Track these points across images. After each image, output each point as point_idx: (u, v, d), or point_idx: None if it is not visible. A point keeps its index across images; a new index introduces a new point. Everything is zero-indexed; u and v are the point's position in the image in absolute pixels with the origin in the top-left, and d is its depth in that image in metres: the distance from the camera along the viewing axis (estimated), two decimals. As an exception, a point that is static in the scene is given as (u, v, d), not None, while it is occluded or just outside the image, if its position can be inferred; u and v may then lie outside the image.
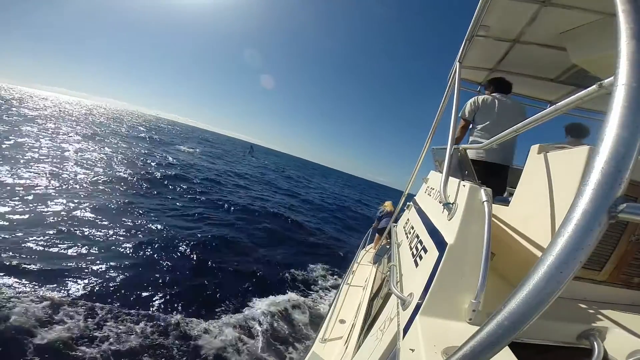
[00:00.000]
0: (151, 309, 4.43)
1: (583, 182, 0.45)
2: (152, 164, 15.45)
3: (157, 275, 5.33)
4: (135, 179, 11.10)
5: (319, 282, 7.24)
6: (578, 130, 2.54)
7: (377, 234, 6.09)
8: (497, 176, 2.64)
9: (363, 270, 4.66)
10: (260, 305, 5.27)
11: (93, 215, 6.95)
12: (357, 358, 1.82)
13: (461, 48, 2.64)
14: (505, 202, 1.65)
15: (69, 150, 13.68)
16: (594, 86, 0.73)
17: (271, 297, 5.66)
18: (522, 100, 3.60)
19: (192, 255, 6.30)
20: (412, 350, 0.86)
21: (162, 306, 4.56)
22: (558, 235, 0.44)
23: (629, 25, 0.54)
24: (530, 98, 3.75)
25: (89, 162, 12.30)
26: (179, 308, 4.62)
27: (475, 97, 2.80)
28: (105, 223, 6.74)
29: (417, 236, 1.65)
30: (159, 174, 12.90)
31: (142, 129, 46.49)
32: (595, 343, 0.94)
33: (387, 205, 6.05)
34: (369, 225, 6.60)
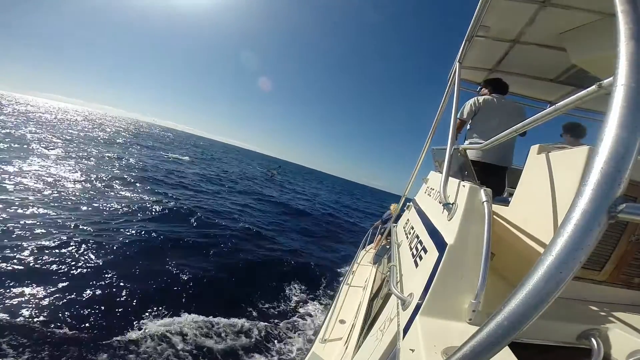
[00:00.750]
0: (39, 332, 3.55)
1: (583, 182, 0.45)
2: (119, 169, 13.69)
3: (56, 291, 4.33)
4: (83, 185, 9.65)
5: (291, 310, 5.75)
6: (577, 130, 2.54)
7: (378, 234, 6.09)
8: (496, 176, 2.64)
9: (363, 270, 4.66)
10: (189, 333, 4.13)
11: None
12: (357, 358, 1.81)
13: (461, 48, 2.65)
14: (505, 202, 1.65)
15: (22, 153, 12.24)
16: (593, 86, 0.74)
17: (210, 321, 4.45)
18: (521, 101, 3.60)
19: (106, 276, 4.98)
20: (412, 350, 0.86)
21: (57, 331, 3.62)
22: (558, 235, 0.44)
23: (628, 25, 0.55)
24: (530, 98, 3.75)
25: (37, 165, 10.82)
26: (80, 328, 3.79)
27: (476, 98, 2.78)
28: (13, 229, 5.66)
29: (417, 236, 1.65)
30: (118, 180, 11.36)
31: (126, 134, 43.89)
32: (595, 343, 0.94)
33: (393, 209, 6.05)
34: (360, 239, 6.02)
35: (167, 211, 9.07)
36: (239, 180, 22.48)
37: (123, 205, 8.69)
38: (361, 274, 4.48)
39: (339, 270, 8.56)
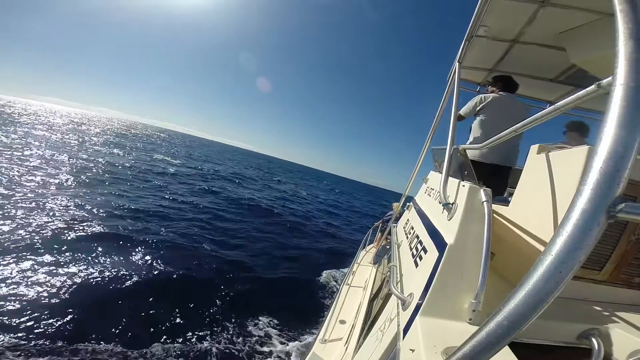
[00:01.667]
0: None
1: (582, 182, 0.45)
2: (73, 173, 11.86)
3: None
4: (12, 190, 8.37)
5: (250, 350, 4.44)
6: (582, 128, 2.52)
7: (379, 234, 6.09)
8: (498, 176, 2.61)
9: (363, 270, 4.66)
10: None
11: None
12: (357, 359, 1.81)
13: (461, 48, 2.65)
14: (505, 202, 1.65)
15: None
16: (592, 86, 0.74)
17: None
18: (521, 100, 3.59)
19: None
20: (412, 350, 0.86)
21: None
22: (557, 235, 0.44)
23: (627, 25, 0.55)
24: (530, 98, 3.75)
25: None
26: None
27: (483, 96, 2.69)
28: None
29: (417, 236, 1.65)
30: (65, 184, 10.06)
31: (110, 136, 40.33)
32: (595, 343, 0.94)
33: (396, 207, 6.05)
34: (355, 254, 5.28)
35: (99, 222, 7.34)
36: (219, 181, 19.86)
37: (45, 212, 7.28)
38: (361, 274, 4.48)
39: (320, 295, 6.94)
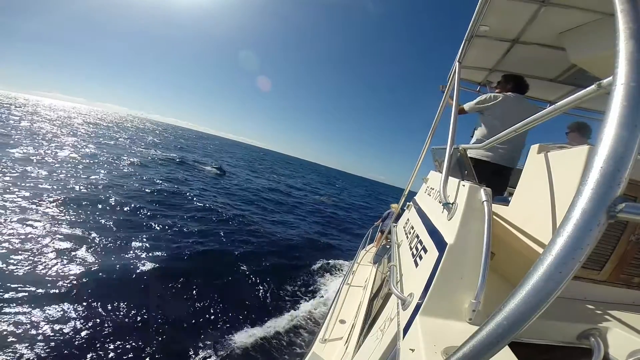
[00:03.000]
0: None
1: (582, 182, 0.45)
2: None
3: None
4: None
5: None
6: (583, 129, 2.50)
7: (379, 233, 6.09)
8: (500, 176, 2.57)
9: (363, 270, 4.66)
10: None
11: None
12: (357, 358, 1.82)
13: (461, 48, 2.64)
14: (505, 202, 1.65)
15: None
16: (592, 86, 0.73)
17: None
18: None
19: None
20: (412, 350, 0.86)
21: None
22: (557, 235, 0.44)
23: (628, 25, 0.54)
24: (530, 98, 3.74)
25: None
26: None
27: (493, 94, 2.61)
28: None
29: (417, 236, 1.65)
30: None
31: (92, 128, 39.34)
32: (595, 343, 0.94)
33: (394, 207, 6.06)
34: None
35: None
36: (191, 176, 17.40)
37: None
38: (361, 274, 4.49)
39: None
